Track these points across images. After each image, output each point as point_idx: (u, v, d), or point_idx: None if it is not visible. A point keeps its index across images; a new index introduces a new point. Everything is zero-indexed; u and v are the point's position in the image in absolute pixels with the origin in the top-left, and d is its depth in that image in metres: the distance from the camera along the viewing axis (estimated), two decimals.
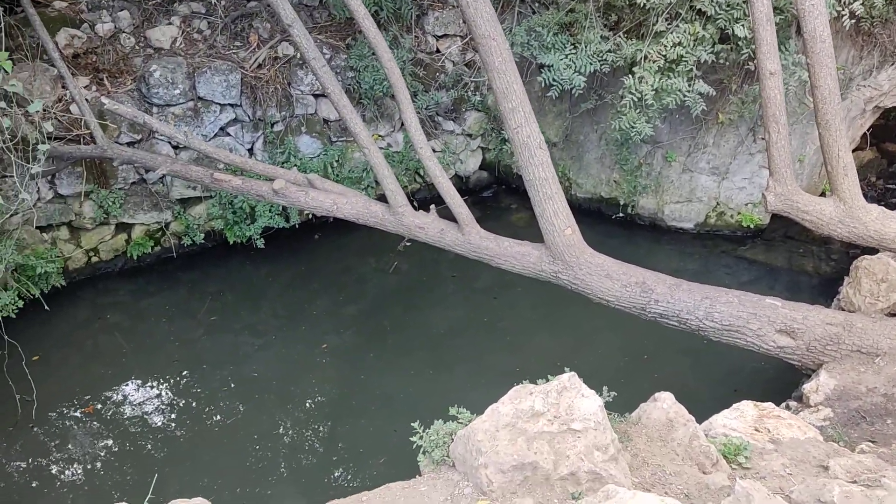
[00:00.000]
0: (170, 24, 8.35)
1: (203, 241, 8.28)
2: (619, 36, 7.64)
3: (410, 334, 7.33)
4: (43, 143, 5.31)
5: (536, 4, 8.75)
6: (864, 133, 9.16)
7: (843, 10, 7.10)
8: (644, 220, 9.12)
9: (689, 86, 7.04)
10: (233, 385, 6.62)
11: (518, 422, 3.22)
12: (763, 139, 8.20)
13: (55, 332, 7.27)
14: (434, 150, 8.95)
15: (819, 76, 4.60)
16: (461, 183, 9.89)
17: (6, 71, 4.87)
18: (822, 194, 9.00)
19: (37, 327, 7.17)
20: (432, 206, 6.07)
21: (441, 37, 9.02)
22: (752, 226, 8.74)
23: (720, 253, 8.71)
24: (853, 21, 7.33)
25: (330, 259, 8.56)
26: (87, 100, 6.63)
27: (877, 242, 4.88)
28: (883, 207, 5.06)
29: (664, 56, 6.91)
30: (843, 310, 5.75)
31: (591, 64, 7.50)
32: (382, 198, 6.14)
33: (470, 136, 9.61)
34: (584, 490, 3.10)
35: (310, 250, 8.64)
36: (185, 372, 6.81)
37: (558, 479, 3.13)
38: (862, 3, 7.10)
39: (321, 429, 6.18)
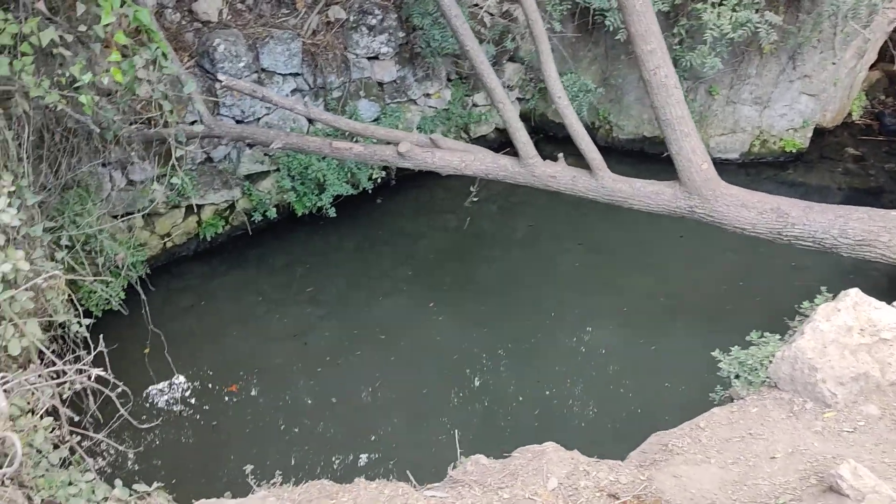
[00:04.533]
0: None
1: (276, 217, 8.11)
2: None
3: (511, 284, 7.47)
4: (201, 124, 5.11)
5: None
6: None
7: None
8: None
9: (762, 17, 7.30)
10: (362, 344, 6.62)
11: (839, 337, 3.44)
12: (798, 67, 8.66)
13: (154, 322, 7.06)
14: (476, 105, 9.10)
15: None
16: (502, 135, 9.95)
17: (165, 55, 4.65)
18: (850, 113, 9.61)
19: (131, 320, 6.94)
20: (560, 155, 6.17)
21: None
22: (794, 150, 9.23)
23: (765, 179, 9.14)
24: None
25: (403, 220, 8.56)
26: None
27: None
28: None
29: None
30: None
31: (655, 3, 7.64)
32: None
33: (509, 87, 9.66)
34: None
35: (381, 214, 8.60)
36: (307, 343, 6.77)
37: (889, 385, 3.38)
38: None
39: (466, 385, 6.29)
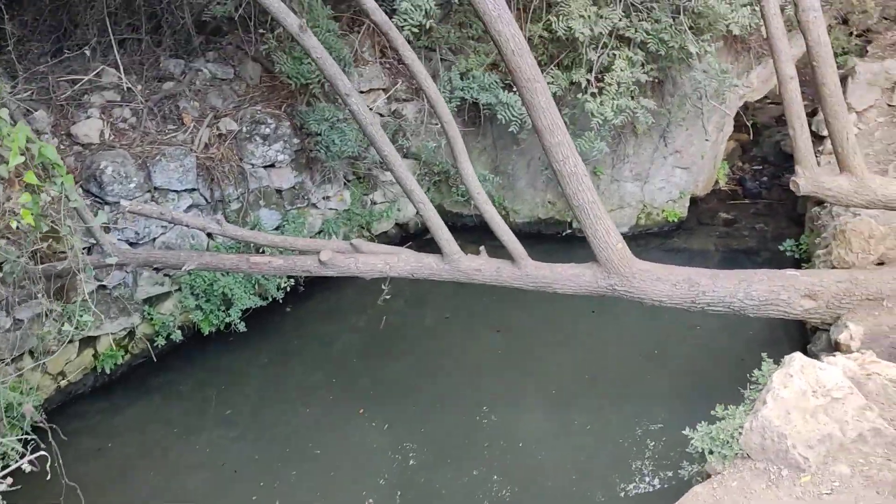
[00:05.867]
0: (89, 117, 7.75)
1: (181, 338, 7.71)
2: (552, 69, 8.34)
3: (437, 379, 7.40)
4: (110, 255, 4.82)
5: (450, 51, 9.21)
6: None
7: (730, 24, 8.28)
8: (582, 233, 9.81)
9: (638, 103, 7.85)
10: (295, 463, 6.31)
11: (798, 402, 3.63)
12: (669, 144, 9.34)
13: (52, 471, 6.43)
14: (375, 203, 9.18)
15: (825, 75, 5.51)
16: (402, 230, 10.05)
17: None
18: (717, 181, 10.40)
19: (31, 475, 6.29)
20: (481, 248, 6.27)
21: (366, 91, 9.16)
22: (675, 220, 9.84)
23: (654, 248, 9.66)
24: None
25: (315, 325, 8.37)
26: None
27: (883, 205, 5.88)
28: (881, 175, 6.11)
29: (616, 81, 7.66)
30: (836, 268, 6.78)
31: None
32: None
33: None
34: (872, 445, 3.58)
35: (292, 322, 8.37)
36: (236, 471, 6.37)
37: (851, 443, 3.57)
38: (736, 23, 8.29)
39: (410, 490, 6.10)
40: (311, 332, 8.30)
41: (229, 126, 8.12)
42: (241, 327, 7.76)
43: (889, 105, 9.14)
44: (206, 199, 7.86)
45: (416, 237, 10.12)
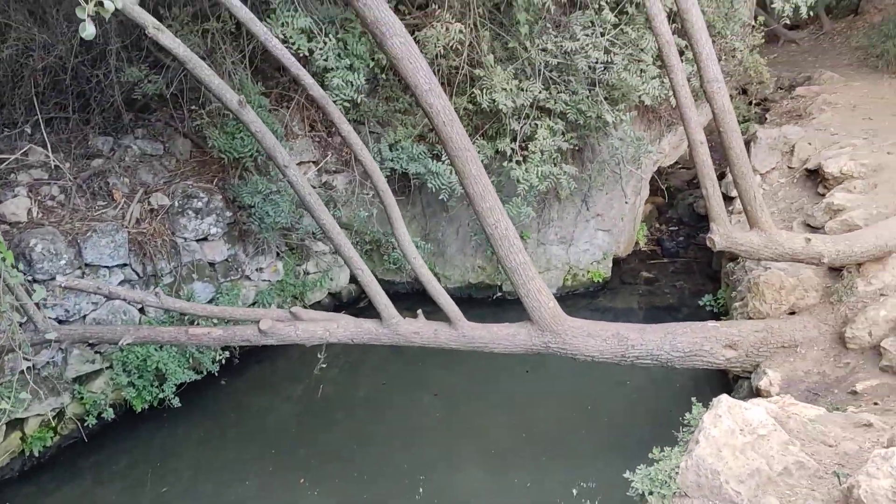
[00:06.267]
0: (16, 195, 7.67)
1: (113, 417, 7.52)
2: (478, 139, 8.73)
3: (376, 446, 7.41)
4: (49, 331, 4.77)
5: (378, 124, 9.52)
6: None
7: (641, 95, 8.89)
8: (513, 295, 10.05)
9: (560, 169, 8.28)
10: None
11: (728, 440, 3.88)
12: (591, 208, 9.80)
13: None
14: (308, 273, 9.28)
15: (731, 140, 6.00)
16: (335, 299, 10.13)
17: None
18: (637, 242, 10.90)
19: None
20: (419, 311, 6.43)
21: (297, 164, 9.34)
22: (600, 280, 10.24)
23: (581, 308, 9.98)
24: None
25: (252, 397, 8.29)
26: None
27: (790, 257, 6.35)
28: (787, 231, 6.61)
29: (539, 149, 8.07)
30: (752, 318, 7.20)
31: None
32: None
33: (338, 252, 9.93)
34: (797, 478, 3.84)
35: (227, 395, 8.27)
36: None
37: (777, 476, 3.82)
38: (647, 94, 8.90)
39: None
40: (248, 404, 8.22)
41: (161, 201, 8.14)
42: (176, 403, 7.64)
43: (789, 167, 9.86)
44: (139, 274, 7.81)
45: (349, 306, 10.21)
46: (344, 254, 5.98)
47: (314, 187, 9.35)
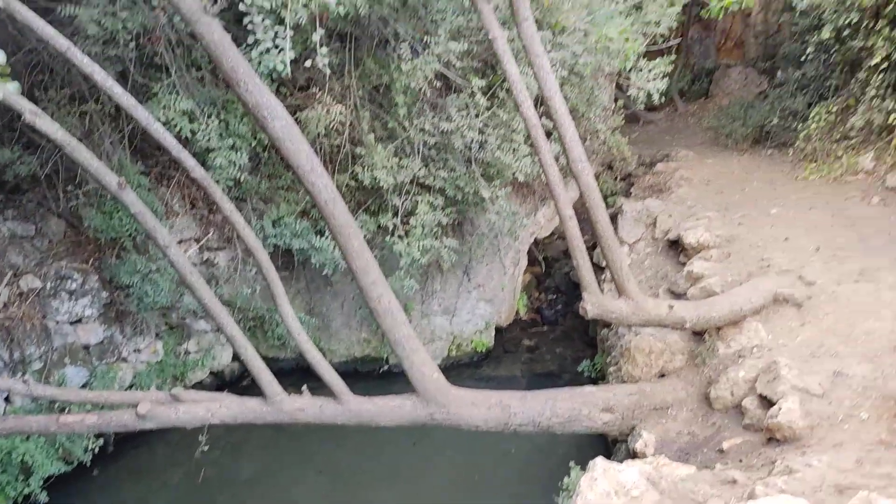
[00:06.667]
0: None
1: None
2: (361, 214, 8.92)
3: None
4: None
5: (261, 200, 9.56)
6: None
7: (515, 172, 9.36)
8: (399, 368, 10.09)
9: (441, 243, 8.56)
10: None
11: (603, 502, 4.09)
12: (472, 279, 10.14)
13: None
14: (189, 352, 9.08)
15: (597, 214, 6.44)
16: (218, 378, 9.88)
17: None
18: (518, 311, 11.28)
19: None
20: (304, 387, 6.41)
21: (179, 242, 9.19)
22: (483, 349, 10.51)
23: (466, 377, 10.18)
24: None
25: (128, 487, 7.89)
26: None
27: (657, 322, 6.80)
28: (653, 298, 7.07)
29: (420, 223, 8.34)
30: (626, 382, 7.59)
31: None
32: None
33: (219, 329, 9.75)
34: None
35: (101, 486, 7.84)
36: None
37: None
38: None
39: None
40: (124, 494, 7.84)
41: (32, 283, 7.80)
42: (43, 498, 7.21)
43: (653, 237, 10.56)
44: (5, 361, 7.40)
45: (232, 384, 9.98)
46: (227, 332, 5.92)
47: (196, 265, 9.24)
